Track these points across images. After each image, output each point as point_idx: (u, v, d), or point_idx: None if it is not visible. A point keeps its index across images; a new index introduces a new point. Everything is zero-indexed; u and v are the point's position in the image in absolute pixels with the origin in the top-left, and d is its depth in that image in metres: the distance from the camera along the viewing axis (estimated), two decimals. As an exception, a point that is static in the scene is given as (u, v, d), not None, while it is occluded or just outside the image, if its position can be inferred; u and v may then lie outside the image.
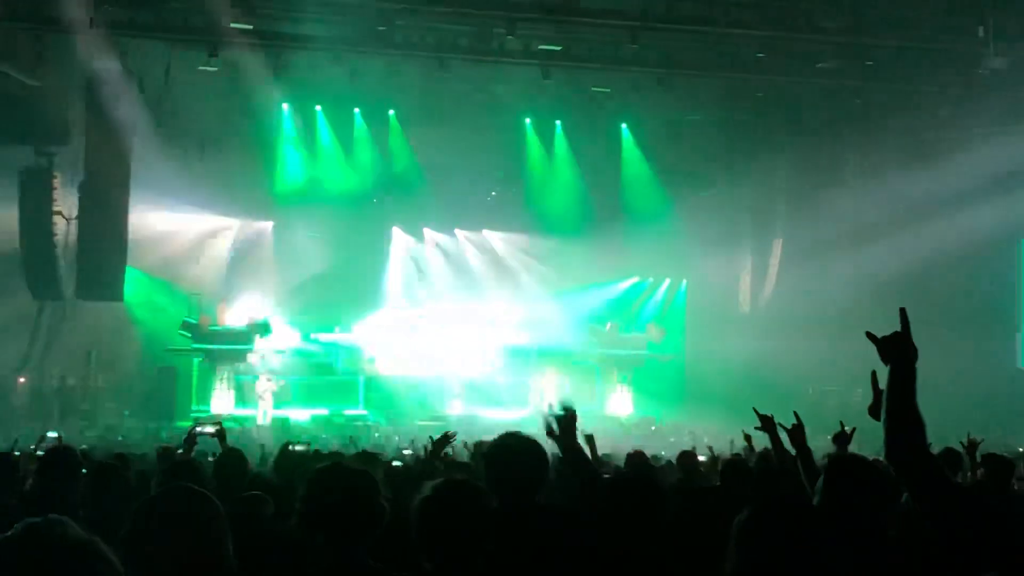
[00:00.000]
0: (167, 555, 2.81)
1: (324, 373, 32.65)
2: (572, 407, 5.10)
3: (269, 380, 30.07)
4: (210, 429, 8.96)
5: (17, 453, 10.97)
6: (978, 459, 8.33)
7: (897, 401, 3.60)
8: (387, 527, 3.82)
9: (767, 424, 6.66)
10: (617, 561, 4.36)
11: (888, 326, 3.76)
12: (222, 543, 2.93)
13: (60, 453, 6.87)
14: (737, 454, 9.76)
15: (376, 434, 25.71)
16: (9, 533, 2.00)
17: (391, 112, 31.18)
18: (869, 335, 3.81)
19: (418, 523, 3.62)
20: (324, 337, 33.19)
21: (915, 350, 3.70)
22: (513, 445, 4.67)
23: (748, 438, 9.55)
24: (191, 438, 8.61)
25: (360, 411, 31.52)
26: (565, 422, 5.04)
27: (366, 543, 3.79)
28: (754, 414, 7.08)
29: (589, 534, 4.43)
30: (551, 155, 33.01)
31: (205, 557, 2.86)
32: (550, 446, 4.89)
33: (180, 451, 9.81)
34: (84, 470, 7.18)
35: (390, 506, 3.86)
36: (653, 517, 4.47)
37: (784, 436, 6.37)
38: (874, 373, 3.90)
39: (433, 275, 34.62)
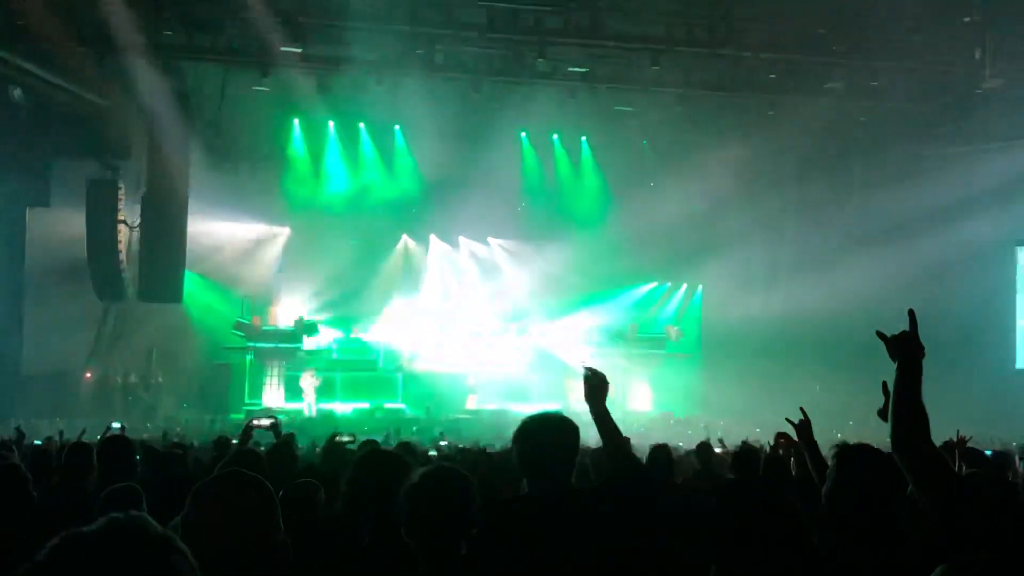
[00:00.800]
0: (223, 535, 2.82)
1: (366, 369, 32.72)
2: (603, 375, 4.83)
3: (313, 376, 30.17)
4: (266, 422, 8.95)
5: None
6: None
7: (903, 395, 3.65)
8: None
9: (800, 429, 6.40)
10: (643, 548, 4.34)
11: (888, 331, 3.80)
12: (275, 524, 2.95)
13: (116, 442, 6.94)
14: (747, 444, 9.69)
15: (414, 428, 25.74)
16: (93, 526, 2.00)
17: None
18: (879, 334, 3.84)
19: (404, 507, 3.61)
20: (366, 336, 33.31)
21: (922, 349, 3.76)
22: (544, 424, 4.40)
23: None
24: (247, 430, 8.62)
25: (399, 405, 31.60)
26: (596, 384, 4.77)
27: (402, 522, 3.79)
28: (766, 410, 7.10)
29: (620, 519, 4.37)
30: (577, 168, 33.16)
31: (259, 537, 2.88)
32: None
33: (235, 442, 9.86)
34: (139, 456, 7.27)
35: None
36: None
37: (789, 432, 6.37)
38: (884, 383, 4.00)
39: (467, 280, 34.63)
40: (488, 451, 11.84)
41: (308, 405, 29.69)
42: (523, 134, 32.43)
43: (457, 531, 3.57)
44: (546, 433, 4.35)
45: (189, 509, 2.89)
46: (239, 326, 30.44)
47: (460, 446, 13.94)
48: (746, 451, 8.25)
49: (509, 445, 4.62)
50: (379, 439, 12.44)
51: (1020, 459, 9.05)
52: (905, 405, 3.64)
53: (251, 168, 31.24)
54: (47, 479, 7.09)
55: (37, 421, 24.16)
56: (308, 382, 30.05)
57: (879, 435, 3.81)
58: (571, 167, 33.47)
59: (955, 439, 8.45)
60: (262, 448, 8.49)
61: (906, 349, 3.76)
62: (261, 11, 23.82)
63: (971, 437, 8.69)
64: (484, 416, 29.49)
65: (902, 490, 3.78)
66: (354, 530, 4.00)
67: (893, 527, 3.80)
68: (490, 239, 34.75)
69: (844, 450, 4.04)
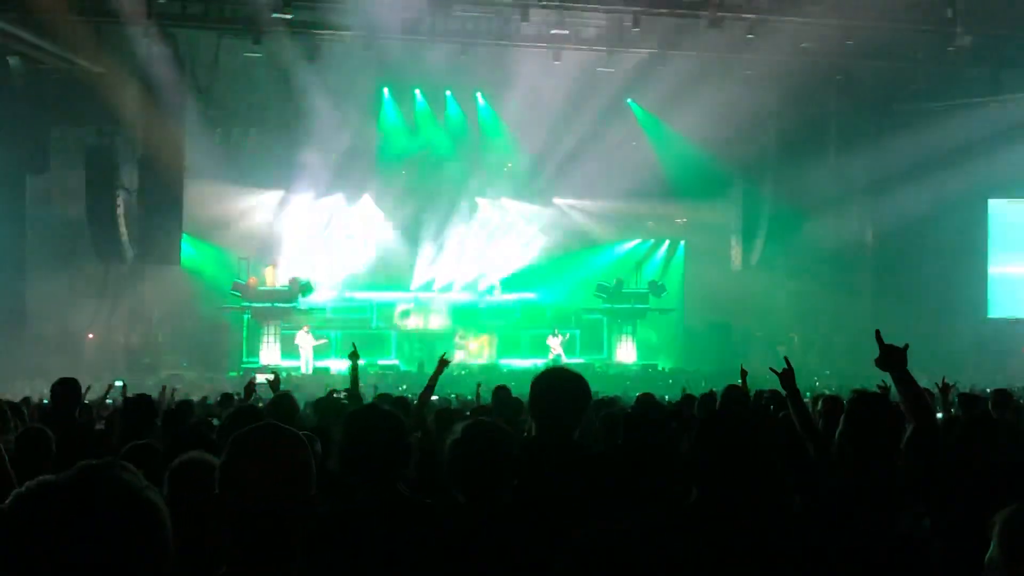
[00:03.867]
0: (260, 485, 2.77)
1: (360, 327, 32.73)
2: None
3: (308, 334, 30.21)
4: (269, 377, 8.98)
5: (88, 401, 11.08)
6: (953, 400, 8.89)
7: (905, 391, 4.60)
8: (420, 461, 3.83)
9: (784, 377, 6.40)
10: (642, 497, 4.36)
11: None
12: (311, 477, 2.91)
13: (140, 401, 6.98)
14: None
15: (403, 386, 25.75)
16: (64, 475, 1.94)
17: (417, 90, 31.37)
18: (878, 334, 4.82)
19: (450, 461, 3.62)
20: (359, 295, 33.37)
21: (902, 359, 4.64)
22: (558, 377, 4.44)
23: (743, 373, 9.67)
24: (250, 386, 8.61)
25: (392, 361, 31.64)
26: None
27: (399, 476, 3.80)
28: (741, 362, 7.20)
29: (621, 473, 4.39)
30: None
31: (295, 489, 2.83)
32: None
33: (238, 396, 9.85)
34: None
35: (425, 441, 3.86)
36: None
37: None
38: (878, 332, 4.84)
39: (457, 241, 34.53)
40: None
41: (306, 362, 29.73)
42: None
43: (503, 482, 3.59)
44: (557, 387, 4.37)
45: (227, 459, 2.83)
46: (236, 287, 30.39)
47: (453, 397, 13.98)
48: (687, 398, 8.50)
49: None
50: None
51: (991, 404, 9.27)
52: (909, 397, 4.56)
53: (244, 132, 31.16)
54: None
55: (41, 381, 24.18)
56: (304, 339, 30.07)
57: (854, 382, 3.98)
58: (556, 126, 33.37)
59: (940, 384, 8.96)
60: (262, 404, 8.50)
61: (889, 365, 4.64)
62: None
63: (955, 383, 9.16)
64: (474, 370, 29.54)
65: (902, 434, 4.41)
66: (349, 483, 3.98)
67: (893, 469, 4.23)
68: (478, 199, 34.61)
69: (858, 397, 4.62)
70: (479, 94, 31.79)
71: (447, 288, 33.99)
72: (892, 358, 4.66)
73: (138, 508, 1.95)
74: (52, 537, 1.85)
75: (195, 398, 15.46)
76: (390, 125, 32.48)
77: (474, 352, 32.55)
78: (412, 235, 33.84)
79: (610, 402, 10.24)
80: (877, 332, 4.86)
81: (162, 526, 1.98)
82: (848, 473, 4.24)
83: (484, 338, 32.99)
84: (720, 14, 25.76)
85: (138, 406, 6.73)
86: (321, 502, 4.19)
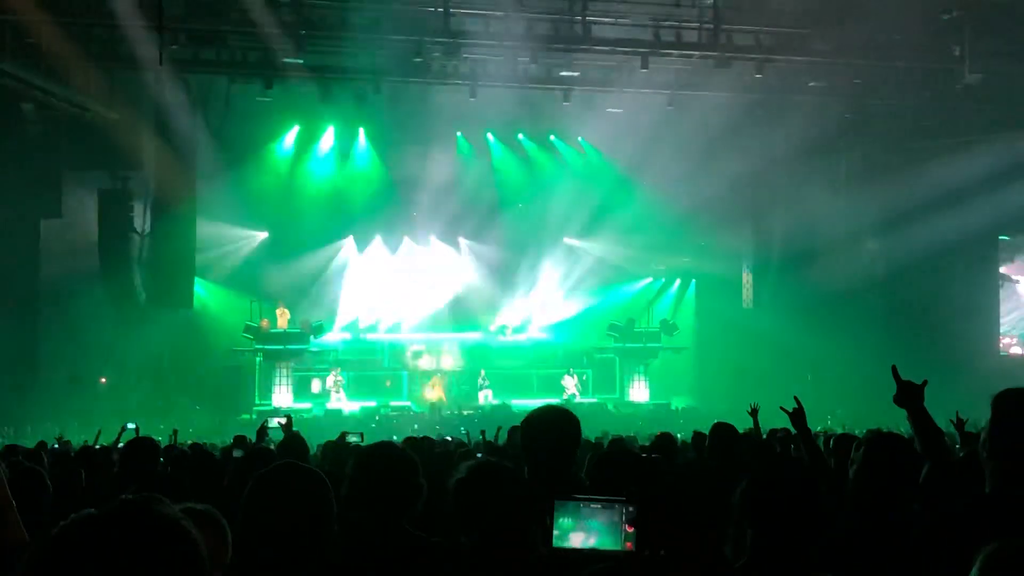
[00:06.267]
0: (282, 522, 2.77)
1: (372, 368, 32.70)
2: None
3: (337, 375, 30.44)
4: (274, 423, 8.96)
5: (98, 445, 11.12)
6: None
7: (921, 429, 4.58)
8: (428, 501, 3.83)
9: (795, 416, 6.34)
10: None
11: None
12: (330, 514, 2.91)
13: (141, 442, 7.00)
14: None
15: (416, 426, 25.68)
16: (104, 510, 1.98)
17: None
18: (894, 370, 4.72)
19: (455, 502, 3.60)
20: (372, 336, 33.41)
21: (920, 396, 4.60)
22: (549, 415, 4.44)
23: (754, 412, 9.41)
24: (263, 430, 8.62)
25: (404, 403, 31.56)
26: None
27: (406, 515, 3.80)
28: (753, 400, 7.23)
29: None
30: (575, 170, 33.16)
31: (315, 528, 2.84)
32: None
33: (231, 446, 9.83)
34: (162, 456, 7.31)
35: (432, 483, 3.86)
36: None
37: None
38: (894, 367, 4.74)
39: (475, 281, 34.60)
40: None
41: (338, 401, 30.02)
42: (520, 135, 32.58)
43: (510, 524, 3.54)
44: (546, 425, 4.35)
45: (250, 497, 2.84)
46: (248, 329, 30.43)
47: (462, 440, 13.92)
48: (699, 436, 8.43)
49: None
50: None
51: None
52: (925, 434, 4.56)
53: (255, 174, 31.26)
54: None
55: (52, 426, 24.18)
56: (333, 380, 30.38)
57: (867, 423, 3.95)
58: (569, 169, 33.41)
59: (955, 420, 8.83)
60: (273, 447, 8.50)
61: (907, 400, 4.60)
62: (264, 25, 23.91)
63: (968, 419, 9.03)
64: (485, 411, 29.48)
65: (918, 476, 4.33)
66: (356, 523, 3.99)
67: (910, 510, 4.13)
68: (492, 242, 34.69)
69: (875, 439, 4.50)
70: (490, 134, 32.13)
71: (462, 327, 34.01)
72: (909, 394, 4.60)
73: (178, 539, 1.97)
74: (97, 571, 1.86)
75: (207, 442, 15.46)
76: (397, 164, 32.72)
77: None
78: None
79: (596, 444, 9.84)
80: (894, 368, 4.75)
81: (200, 556, 2.00)
82: (864, 514, 4.14)
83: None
84: (728, 54, 25.92)
85: (138, 448, 6.73)
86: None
